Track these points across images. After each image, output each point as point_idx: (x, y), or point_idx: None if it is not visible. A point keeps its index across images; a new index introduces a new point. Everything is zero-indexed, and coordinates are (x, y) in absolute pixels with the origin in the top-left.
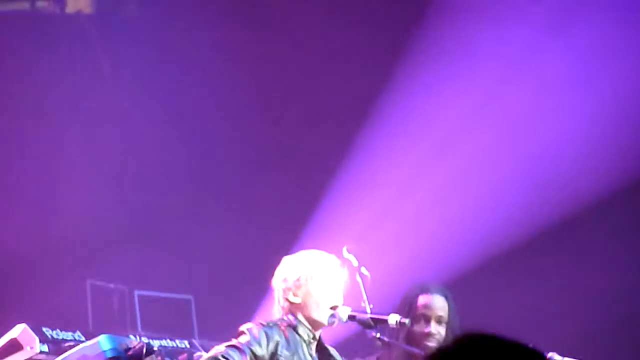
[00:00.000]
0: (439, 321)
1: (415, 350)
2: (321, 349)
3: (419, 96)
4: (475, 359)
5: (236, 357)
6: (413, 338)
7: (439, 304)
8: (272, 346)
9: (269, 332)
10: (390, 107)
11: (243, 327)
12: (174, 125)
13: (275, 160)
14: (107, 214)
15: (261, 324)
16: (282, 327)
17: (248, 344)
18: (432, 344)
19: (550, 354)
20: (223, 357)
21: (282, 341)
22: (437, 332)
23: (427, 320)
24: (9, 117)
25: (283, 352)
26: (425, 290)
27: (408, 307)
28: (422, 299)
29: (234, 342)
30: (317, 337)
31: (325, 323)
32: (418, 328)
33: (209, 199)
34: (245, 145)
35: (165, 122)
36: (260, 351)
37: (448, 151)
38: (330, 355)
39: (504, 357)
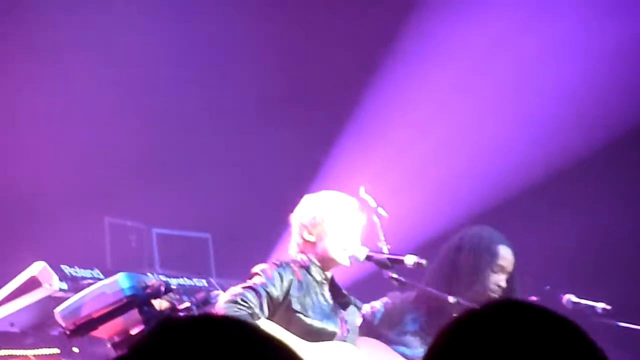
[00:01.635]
0: (508, 274)
1: (442, 295)
2: (334, 287)
3: (435, 37)
4: (507, 325)
5: (252, 299)
6: (476, 286)
7: (511, 258)
8: (285, 286)
9: (282, 272)
10: (407, 49)
11: (256, 268)
12: (192, 65)
13: (294, 101)
14: (126, 152)
15: (274, 264)
16: (295, 268)
17: (263, 285)
18: (495, 294)
19: (567, 296)
20: (242, 300)
21: (295, 282)
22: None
23: (502, 272)
24: (20, 52)
25: (294, 292)
26: (503, 241)
27: (488, 256)
28: (503, 250)
29: (249, 283)
30: (329, 277)
31: (339, 262)
32: (493, 278)
33: (228, 138)
34: (263, 85)
35: (185, 61)
36: (275, 292)
37: (464, 92)
38: (344, 295)
39: (537, 325)
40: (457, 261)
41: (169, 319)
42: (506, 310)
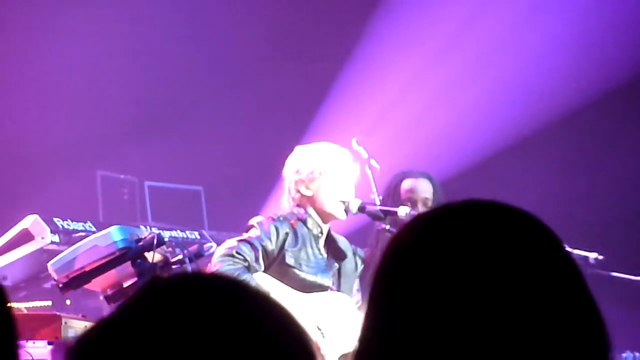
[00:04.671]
0: (425, 203)
1: None
2: (330, 241)
3: None
4: (473, 221)
5: (248, 252)
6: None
7: (423, 187)
8: (281, 240)
9: (278, 226)
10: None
11: (253, 221)
12: (186, 19)
13: (286, 53)
14: (120, 106)
15: (271, 217)
16: (292, 221)
17: (259, 239)
18: None
19: None
20: (237, 253)
21: (291, 236)
22: None
23: (413, 204)
24: (16, 8)
25: (289, 247)
26: (408, 175)
27: (392, 194)
28: (406, 183)
29: (245, 236)
30: (326, 230)
31: (336, 216)
32: (403, 210)
33: (220, 91)
34: (256, 39)
35: (179, 16)
36: (271, 246)
37: (457, 44)
38: (339, 248)
39: (507, 223)
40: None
41: (156, 279)
42: (473, 208)
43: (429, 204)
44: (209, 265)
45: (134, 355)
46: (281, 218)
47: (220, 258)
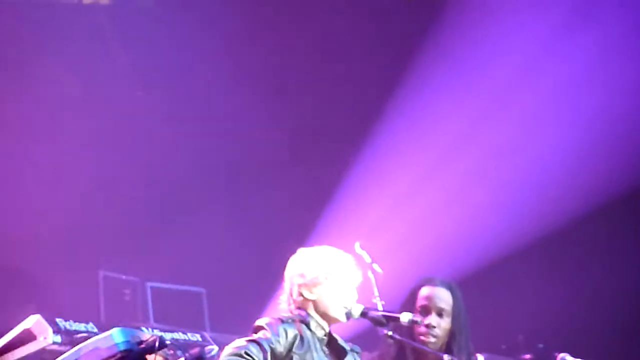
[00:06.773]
0: (439, 313)
1: (420, 346)
2: (332, 341)
3: (431, 95)
4: None
5: (256, 353)
6: (412, 331)
7: (441, 296)
8: (289, 343)
9: (287, 328)
10: (402, 106)
11: (261, 322)
12: (187, 118)
13: (290, 156)
14: (121, 206)
15: (280, 319)
16: (297, 324)
17: (268, 340)
18: (429, 338)
19: (561, 355)
20: (246, 354)
21: (298, 338)
22: (437, 324)
23: (427, 312)
24: (19, 107)
25: (297, 349)
26: (429, 282)
27: (411, 299)
28: (424, 291)
29: (254, 337)
30: (328, 332)
31: (339, 319)
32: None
33: (222, 192)
34: (259, 139)
35: (178, 115)
36: (280, 348)
37: (460, 149)
38: (340, 347)
39: None
40: None
41: None
42: None
43: (444, 315)
44: None
45: None
46: (289, 320)
47: (227, 357)
